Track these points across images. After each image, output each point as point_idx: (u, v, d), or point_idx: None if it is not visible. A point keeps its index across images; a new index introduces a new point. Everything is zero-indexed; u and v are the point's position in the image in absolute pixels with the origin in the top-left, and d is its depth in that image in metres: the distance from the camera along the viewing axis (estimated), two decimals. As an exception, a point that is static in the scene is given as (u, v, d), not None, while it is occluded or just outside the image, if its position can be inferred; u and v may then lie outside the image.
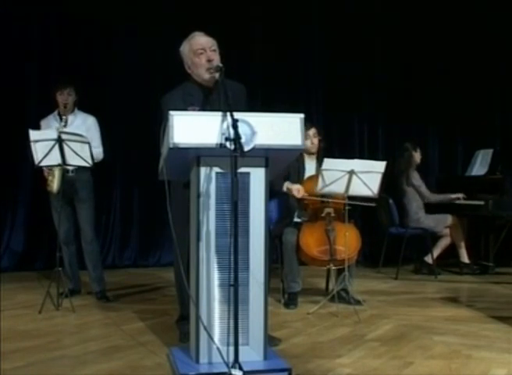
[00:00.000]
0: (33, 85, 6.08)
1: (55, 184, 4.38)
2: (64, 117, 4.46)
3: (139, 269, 6.22)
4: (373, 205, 4.35)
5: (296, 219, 4.52)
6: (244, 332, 2.61)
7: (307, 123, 4.55)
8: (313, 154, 4.58)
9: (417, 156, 5.93)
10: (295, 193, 4.31)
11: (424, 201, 5.83)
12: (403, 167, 5.88)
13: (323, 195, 4.31)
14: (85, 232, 4.52)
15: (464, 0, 6.78)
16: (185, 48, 3.18)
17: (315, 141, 4.56)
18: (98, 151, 4.57)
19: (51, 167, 4.30)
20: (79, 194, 4.49)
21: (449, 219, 5.81)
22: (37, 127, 4.45)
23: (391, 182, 6.00)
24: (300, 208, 4.52)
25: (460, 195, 5.80)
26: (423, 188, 5.82)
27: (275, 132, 2.57)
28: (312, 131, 4.55)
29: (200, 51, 3.11)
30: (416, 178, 5.83)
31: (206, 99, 3.15)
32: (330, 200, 4.35)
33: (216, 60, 3.10)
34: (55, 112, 4.58)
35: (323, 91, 6.84)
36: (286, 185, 4.37)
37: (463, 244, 5.88)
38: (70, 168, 4.35)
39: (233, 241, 2.42)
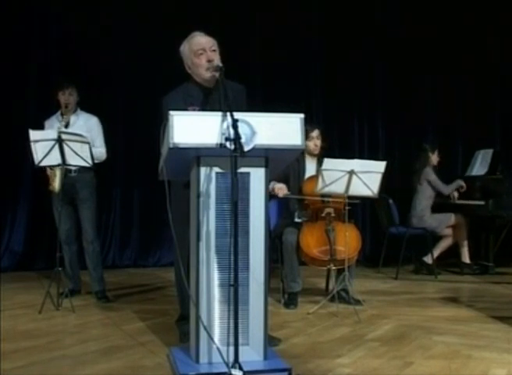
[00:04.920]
0: (33, 85, 6.09)
1: (56, 184, 4.37)
2: (65, 117, 4.47)
3: (139, 269, 6.23)
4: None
5: (296, 219, 4.52)
6: (244, 332, 2.61)
7: (312, 125, 4.58)
8: (315, 155, 4.58)
9: (434, 158, 5.92)
10: (276, 192, 4.29)
11: (445, 194, 5.80)
12: (418, 167, 5.87)
13: (323, 195, 4.31)
14: (86, 232, 4.51)
15: (464, 1, 6.79)
16: (185, 48, 3.17)
17: (318, 142, 4.55)
18: (101, 152, 4.58)
19: (52, 167, 4.30)
20: (81, 194, 4.49)
21: (452, 218, 5.81)
22: (37, 127, 4.43)
23: (406, 180, 6.03)
24: (300, 209, 4.52)
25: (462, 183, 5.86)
26: (438, 182, 5.79)
27: (275, 132, 2.57)
28: (316, 133, 4.54)
29: (201, 52, 3.09)
30: (430, 174, 5.80)
31: (206, 99, 3.15)
32: (327, 199, 4.34)
33: (216, 60, 3.09)
34: (58, 113, 4.58)
35: (323, 91, 6.84)
36: (272, 184, 4.35)
37: (465, 244, 5.88)
38: (73, 168, 4.36)
39: (233, 241, 2.42)
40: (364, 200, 4.30)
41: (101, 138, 4.63)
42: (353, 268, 4.32)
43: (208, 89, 3.16)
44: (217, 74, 3.00)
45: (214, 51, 3.11)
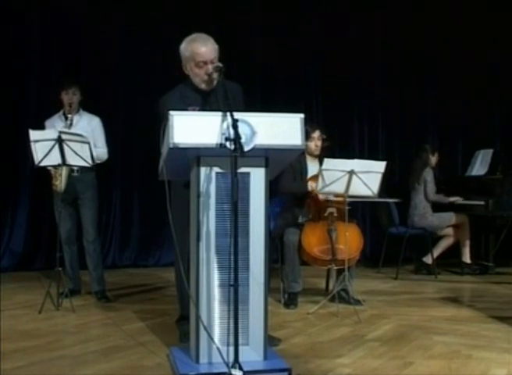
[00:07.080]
0: (33, 85, 6.08)
1: (62, 183, 4.36)
2: (69, 116, 4.47)
3: (139, 269, 6.23)
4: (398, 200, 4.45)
5: (298, 220, 4.51)
6: (244, 332, 2.61)
7: (313, 125, 4.58)
8: (316, 156, 4.57)
9: (433, 159, 5.94)
10: (320, 196, 4.32)
11: (429, 198, 5.80)
12: (418, 167, 5.88)
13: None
14: (87, 232, 4.51)
15: (465, 4, 6.79)
16: (186, 52, 3.10)
17: (319, 143, 4.54)
18: (103, 152, 4.59)
19: (55, 167, 4.29)
20: (83, 195, 4.49)
21: (453, 217, 5.81)
22: (38, 127, 4.42)
23: (404, 180, 6.03)
24: (301, 208, 4.51)
25: (458, 198, 5.83)
26: (431, 185, 5.80)
27: (275, 132, 2.57)
28: (317, 134, 4.52)
29: (201, 65, 3.07)
30: (430, 175, 5.82)
31: (205, 100, 3.14)
32: (343, 200, 4.33)
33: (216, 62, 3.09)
34: (61, 112, 4.57)
35: (323, 91, 6.84)
36: (311, 184, 4.36)
37: (467, 243, 5.86)
38: (75, 168, 4.36)
39: (233, 241, 2.43)
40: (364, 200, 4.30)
41: (103, 139, 4.64)
42: (353, 268, 4.32)
43: (206, 92, 3.15)
44: (216, 75, 3.01)
45: (214, 63, 3.07)
